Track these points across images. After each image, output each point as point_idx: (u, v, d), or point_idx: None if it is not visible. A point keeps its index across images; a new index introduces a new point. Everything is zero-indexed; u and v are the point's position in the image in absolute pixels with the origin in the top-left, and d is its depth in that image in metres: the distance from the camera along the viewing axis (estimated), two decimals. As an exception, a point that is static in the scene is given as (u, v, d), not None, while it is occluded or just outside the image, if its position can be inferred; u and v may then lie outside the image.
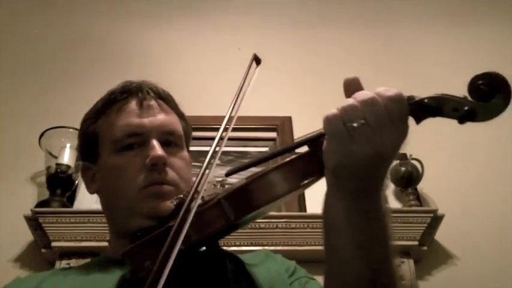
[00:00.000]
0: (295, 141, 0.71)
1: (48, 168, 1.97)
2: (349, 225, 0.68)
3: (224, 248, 0.94)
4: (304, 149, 0.71)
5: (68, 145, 1.96)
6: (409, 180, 1.99)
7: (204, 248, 0.81)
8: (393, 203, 2.01)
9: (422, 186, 2.05)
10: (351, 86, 0.68)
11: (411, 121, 0.67)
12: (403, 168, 1.99)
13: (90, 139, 0.97)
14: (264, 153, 0.66)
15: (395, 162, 2.02)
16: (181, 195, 0.80)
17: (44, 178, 1.98)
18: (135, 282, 0.77)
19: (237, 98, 0.81)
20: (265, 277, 0.88)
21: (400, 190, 2.01)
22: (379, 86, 0.67)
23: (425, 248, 1.90)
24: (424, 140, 2.18)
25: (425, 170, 2.01)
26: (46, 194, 1.93)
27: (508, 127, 2.27)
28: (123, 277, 0.82)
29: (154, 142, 0.90)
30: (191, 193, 0.71)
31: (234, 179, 0.76)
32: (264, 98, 2.21)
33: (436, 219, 1.90)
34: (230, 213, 0.69)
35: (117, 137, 0.92)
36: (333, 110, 0.66)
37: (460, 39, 2.55)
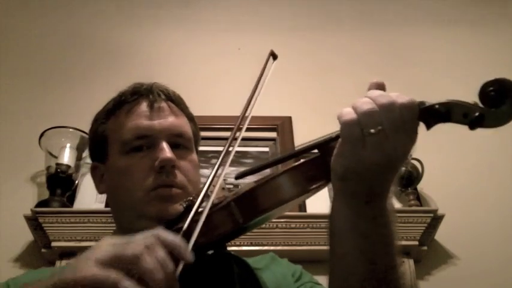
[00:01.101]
0: (305, 145, 0.70)
1: (48, 168, 1.96)
2: (354, 231, 0.68)
3: (227, 249, 0.94)
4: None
5: (68, 145, 1.96)
6: (409, 180, 1.99)
7: (211, 250, 0.81)
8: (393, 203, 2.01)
9: (422, 186, 2.05)
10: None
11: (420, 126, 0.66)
12: (403, 168, 1.99)
13: (100, 139, 0.97)
14: (273, 157, 0.66)
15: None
16: (191, 198, 0.80)
17: (44, 178, 1.98)
18: None
19: (254, 93, 0.82)
20: (271, 281, 0.89)
21: (400, 190, 2.01)
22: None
23: (425, 248, 1.90)
24: (424, 140, 2.17)
25: (425, 170, 2.01)
26: (46, 194, 1.93)
27: (508, 127, 2.27)
28: None
29: (164, 144, 0.90)
30: (201, 196, 0.71)
31: (245, 181, 0.77)
32: (264, 98, 2.20)
33: (436, 219, 1.90)
34: (239, 217, 0.69)
35: (126, 138, 0.92)
36: (351, 112, 0.64)
37: (460, 42, 2.55)
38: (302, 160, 0.69)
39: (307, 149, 0.71)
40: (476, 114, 0.63)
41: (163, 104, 0.96)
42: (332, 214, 0.70)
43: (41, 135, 2.00)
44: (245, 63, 2.41)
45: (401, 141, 0.63)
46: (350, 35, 2.58)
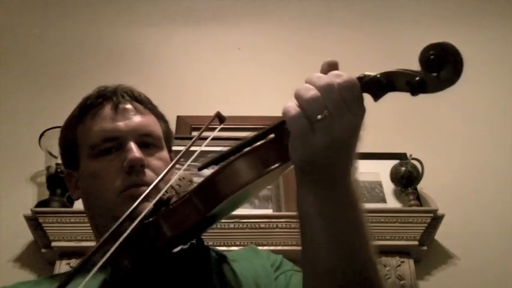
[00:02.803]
0: (261, 130, 0.70)
1: (48, 168, 1.97)
2: (320, 214, 0.68)
3: (222, 248, 0.94)
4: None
5: (68, 145, 1.96)
6: (409, 180, 1.98)
7: (186, 244, 0.82)
8: (393, 203, 2.02)
9: (422, 186, 2.05)
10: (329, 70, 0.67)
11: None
12: (403, 168, 1.99)
13: (70, 146, 0.98)
14: (234, 145, 0.66)
15: (395, 162, 2.02)
16: (160, 195, 0.81)
17: (44, 178, 1.98)
18: (115, 283, 0.77)
19: (188, 149, 0.83)
20: (250, 272, 0.89)
21: (400, 190, 2.01)
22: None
23: (425, 248, 1.90)
24: (424, 140, 2.18)
25: (425, 170, 2.01)
26: (46, 194, 1.93)
27: (508, 127, 2.27)
28: (105, 280, 0.83)
29: (132, 144, 0.90)
30: (152, 185, 0.74)
31: None
32: (264, 98, 2.21)
33: (436, 219, 1.90)
34: (201, 207, 0.69)
35: (93, 142, 0.92)
36: (294, 107, 0.65)
37: (459, 39, 2.55)
38: (257, 144, 0.69)
39: (265, 133, 0.70)
40: (417, 79, 0.62)
41: (129, 105, 0.96)
42: (299, 201, 0.70)
43: (41, 135, 2.01)
44: (245, 63, 2.42)
45: (347, 120, 0.63)
46: (351, 34, 2.58)
